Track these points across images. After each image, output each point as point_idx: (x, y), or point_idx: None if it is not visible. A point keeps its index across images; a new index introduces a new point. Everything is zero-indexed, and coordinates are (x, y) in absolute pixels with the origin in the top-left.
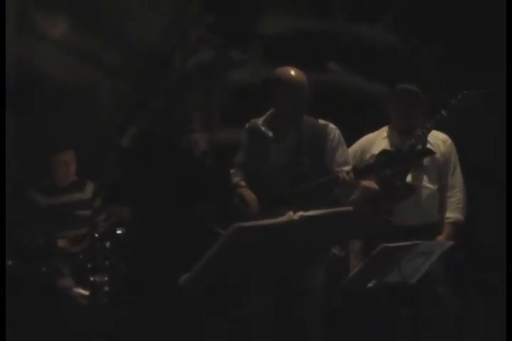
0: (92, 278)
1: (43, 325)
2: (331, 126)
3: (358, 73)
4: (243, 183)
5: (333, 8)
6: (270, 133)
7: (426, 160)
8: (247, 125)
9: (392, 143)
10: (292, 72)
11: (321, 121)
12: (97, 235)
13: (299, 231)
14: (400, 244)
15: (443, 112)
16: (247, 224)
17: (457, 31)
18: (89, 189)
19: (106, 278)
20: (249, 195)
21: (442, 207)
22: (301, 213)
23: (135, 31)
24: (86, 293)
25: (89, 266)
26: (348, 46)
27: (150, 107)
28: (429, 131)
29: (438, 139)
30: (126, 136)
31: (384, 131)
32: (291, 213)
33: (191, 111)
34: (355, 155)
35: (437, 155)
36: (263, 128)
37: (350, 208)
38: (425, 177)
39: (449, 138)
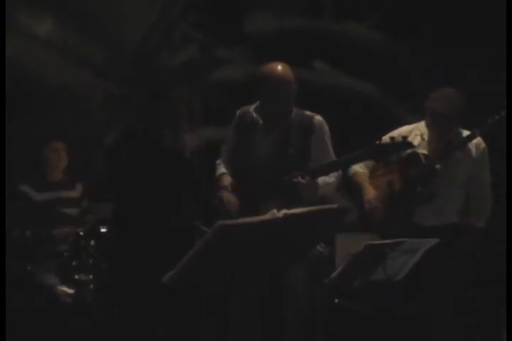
0: (76, 277)
1: (29, 323)
2: (317, 117)
3: (345, 72)
4: (226, 179)
5: (320, 7)
6: (261, 121)
7: (457, 164)
8: (238, 111)
9: (426, 143)
10: (276, 67)
11: (308, 113)
12: (81, 233)
13: (283, 229)
14: (385, 241)
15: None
16: (230, 222)
17: (446, 30)
18: (79, 189)
19: (90, 277)
20: (228, 197)
21: (466, 211)
22: (284, 211)
23: (121, 29)
24: (70, 291)
25: (74, 264)
26: (336, 45)
27: (136, 106)
28: (464, 143)
29: (472, 143)
30: (113, 134)
31: (417, 129)
32: (274, 211)
33: (179, 110)
34: None
35: (468, 160)
36: (255, 115)
37: (335, 206)
38: (454, 181)
39: (482, 142)
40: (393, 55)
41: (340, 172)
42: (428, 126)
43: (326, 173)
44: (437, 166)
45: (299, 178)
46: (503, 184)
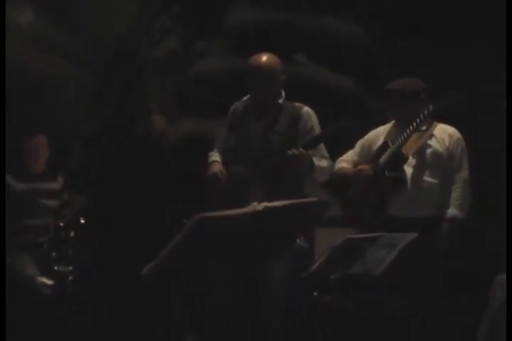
0: (56, 268)
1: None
2: (306, 108)
3: (324, 65)
4: (216, 165)
5: (299, 1)
6: (251, 110)
7: (429, 154)
8: (232, 106)
9: (390, 135)
10: (262, 57)
11: (297, 104)
12: (61, 224)
13: (262, 222)
14: (364, 235)
15: (413, 125)
16: (210, 214)
17: (424, 22)
18: (61, 181)
19: (70, 268)
20: (220, 167)
21: (446, 203)
22: (265, 204)
23: (101, 21)
24: (50, 282)
25: (53, 255)
26: (315, 38)
27: (112, 97)
28: (406, 140)
29: (445, 133)
30: (89, 125)
31: (391, 123)
32: (255, 204)
33: (147, 97)
34: (363, 147)
35: (441, 150)
36: (246, 105)
37: (314, 199)
38: (426, 171)
39: (457, 132)
40: (372, 49)
41: (330, 162)
42: (391, 111)
43: (315, 144)
44: (404, 151)
45: (293, 150)
46: (501, 184)
